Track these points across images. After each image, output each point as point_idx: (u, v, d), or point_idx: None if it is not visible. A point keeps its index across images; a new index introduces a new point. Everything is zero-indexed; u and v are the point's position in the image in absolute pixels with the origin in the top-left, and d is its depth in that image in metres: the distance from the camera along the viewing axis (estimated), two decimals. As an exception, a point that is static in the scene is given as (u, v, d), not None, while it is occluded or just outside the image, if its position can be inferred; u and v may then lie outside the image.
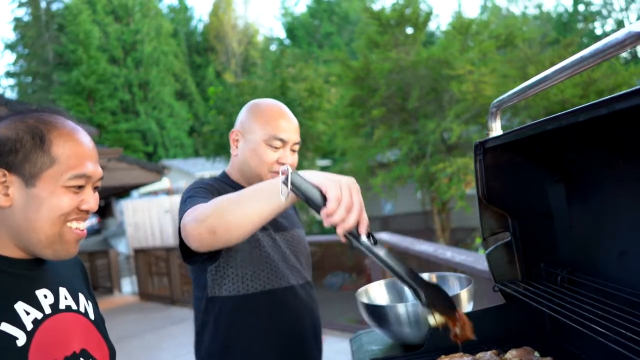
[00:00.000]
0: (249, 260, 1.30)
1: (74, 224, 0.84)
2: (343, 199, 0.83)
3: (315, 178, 0.86)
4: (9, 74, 31.11)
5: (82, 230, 0.86)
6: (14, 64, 31.29)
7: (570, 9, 28.16)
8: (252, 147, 1.32)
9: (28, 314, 0.79)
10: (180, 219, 1.11)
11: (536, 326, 1.12)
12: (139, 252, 9.46)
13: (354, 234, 0.84)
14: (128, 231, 13.78)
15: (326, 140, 13.13)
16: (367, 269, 7.45)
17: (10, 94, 30.21)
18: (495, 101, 1.09)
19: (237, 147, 1.38)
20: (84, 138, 0.86)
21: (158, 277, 8.79)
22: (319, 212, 0.83)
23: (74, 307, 0.89)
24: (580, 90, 8.93)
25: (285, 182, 0.85)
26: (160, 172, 7.87)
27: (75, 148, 0.83)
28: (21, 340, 0.76)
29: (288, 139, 1.33)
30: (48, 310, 0.83)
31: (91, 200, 0.85)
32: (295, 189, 0.84)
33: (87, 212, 0.85)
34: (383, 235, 4.25)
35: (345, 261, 8.67)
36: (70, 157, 0.82)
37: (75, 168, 0.82)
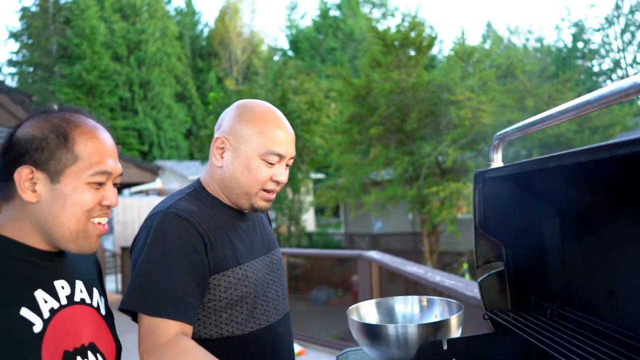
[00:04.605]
0: (225, 305, 1.10)
1: (97, 219, 0.87)
2: None
3: None
4: (10, 63, 31.00)
5: (104, 225, 0.89)
6: (17, 52, 31.23)
7: (570, 45, 28.77)
8: (244, 161, 1.12)
9: (46, 302, 0.82)
10: (138, 296, 1.00)
11: (523, 357, 1.14)
12: (126, 251, 9.37)
13: None
14: (116, 229, 13.66)
15: (322, 154, 13.20)
16: (354, 286, 7.44)
17: (11, 82, 30.08)
18: (498, 134, 1.12)
19: (222, 158, 1.15)
20: (105, 136, 0.89)
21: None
22: None
23: (88, 300, 0.92)
24: (574, 126, 9.09)
25: None
26: (155, 172, 7.81)
27: (97, 145, 0.86)
28: (38, 326, 0.78)
29: (286, 153, 1.15)
30: (64, 301, 0.85)
31: (112, 196, 0.88)
32: None
33: (108, 207, 0.88)
34: (373, 254, 4.26)
35: (332, 276, 8.65)
36: (91, 154, 0.85)
37: (97, 165, 0.85)
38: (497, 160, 1.14)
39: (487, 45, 15.75)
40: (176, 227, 1.06)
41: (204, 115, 29.25)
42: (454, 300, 1.32)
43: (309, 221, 18.14)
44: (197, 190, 1.19)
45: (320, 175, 18.21)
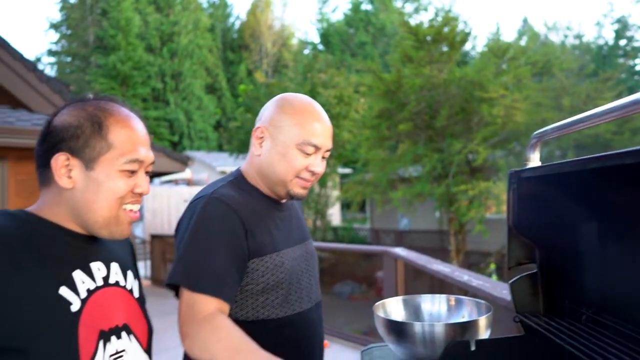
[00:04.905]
0: (261, 289, 1.15)
1: (128, 206, 0.89)
2: None
3: None
4: (50, 53, 32.10)
5: (136, 212, 0.91)
6: (56, 43, 32.29)
7: (612, 42, 27.65)
8: (281, 150, 1.17)
9: (83, 282, 0.85)
10: (181, 272, 1.05)
11: (554, 362, 1.11)
12: (155, 238, 9.61)
13: None
14: (146, 216, 14.01)
15: (350, 149, 13.15)
16: (378, 282, 7.41)
17: (50, 72, 31.15)
18: (536, 132, 1.09)
19: (261, 147, 1.20)
20: (138, 125, 0.91)
21: (171, 264, 8.91)
22: None
23: (122, 282, 0.94)
24: (614, 127, 8.76)
25: None
26: (185, 162, 7.94)
27: (130, 134, 0.88)
28: (75, 306, 0.81)
29: (322, 145, 1.19)
30: (100, 282, 0.88)
31: (144, 184, 0.90)
32: None
33: (140, 195, 0.90)
34: (399, 251, 4.23)
35: (357, 271, 8.64)
36: (124, 142, 0.87)
37: (130, 153, 0.87)
38: (534, 160, 1.11)
39: (522, 42, 15.32)
40: (219, 212, 1.11)
41: (233, 107, 29.59)
42: (482, 301, 1.30)
43: (334, 215, 18.15)
44: (238, 179, 1.24)
45: (347, 170, 18.17)
